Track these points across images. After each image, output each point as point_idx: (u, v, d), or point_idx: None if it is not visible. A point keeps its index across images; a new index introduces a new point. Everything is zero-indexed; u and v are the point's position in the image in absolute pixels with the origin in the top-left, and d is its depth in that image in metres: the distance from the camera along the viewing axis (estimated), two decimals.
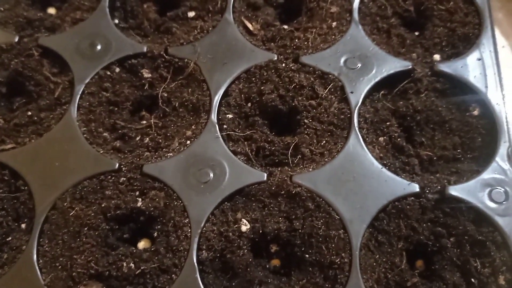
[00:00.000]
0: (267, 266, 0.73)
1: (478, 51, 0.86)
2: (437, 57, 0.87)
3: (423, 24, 0.92)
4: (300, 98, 0.82)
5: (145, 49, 0.86)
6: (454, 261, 0.71)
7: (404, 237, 0.73)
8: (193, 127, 0.81)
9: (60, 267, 0.70)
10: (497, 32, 0.98)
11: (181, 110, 0.83)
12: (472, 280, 0.70)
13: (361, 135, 0.79)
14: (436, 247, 0.73)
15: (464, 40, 0.88)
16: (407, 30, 0.91)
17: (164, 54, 0.86)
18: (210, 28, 0.89)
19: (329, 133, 0.80)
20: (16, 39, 0.88)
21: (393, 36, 0.89)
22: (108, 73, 0.85)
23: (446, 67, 0.84)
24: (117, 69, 0.86)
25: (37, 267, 0.69)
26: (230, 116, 0.82)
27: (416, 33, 0.92)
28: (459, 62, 0.85)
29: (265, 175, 0.75)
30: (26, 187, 0.75)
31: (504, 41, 1.04)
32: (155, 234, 0.73)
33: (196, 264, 0.69)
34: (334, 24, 0.89)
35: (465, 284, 0.70)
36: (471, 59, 0.85)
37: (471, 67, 0.84)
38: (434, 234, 0.73)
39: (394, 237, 0.73)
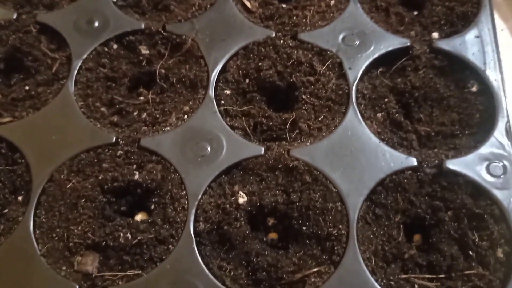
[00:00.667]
0: (265, 239, 0.73)
1: (476, 29, 0.86)
2: (435, 35, 0.87)
3: (422, 3, 0.92)
4: (298, 74, 0.82)
5: (143, 26, 0.87)
6: (451, 235, 0.71)
7: (401, 210, 0.73)
8: (190, 102, 0.81)
9: (56, 237, 0.70)
10: (496, 16, 0.99)
11: (178, 86, 0.83)
12: (470, 253, 0.70)
13: (359, 111, 0.79)
14: (433, 220, 0.72)
15: (463, 18, 0.89)
16: (405, 9, 0.91)
17: (162, 31, 0.86)
18: (208, 6, 0.90)
19: (327, 109, 0.80)
20: (15, 16, 0.88)
21: (391, 14, 0.90)
22: (106, 49, 0.86)
23: (444, 45, 0.85)
24: (115, 46, 0.86)
25: (33, 238, 0.69)
26: (227, 92, 0.82)
27: (415, 12, 0.92)
28: (458, 40, 0.85)
29: (263, 149, 0.75)
30: (23, 160, 0.75)
31: (503, 24, 1.04)
32: (152, 207, 0.73)
33: (193, 235, 0.69)
34: (332, 2, 0.90)
35: (462, 257, 0.70)
36: (470, 36, 0.85)
37: (470, 45, 0.84)
38: (432, 207, 0.73)
39: (391, 210, 0.73)
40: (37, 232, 0.70)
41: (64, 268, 0.68)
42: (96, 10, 0.88)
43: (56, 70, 0.83)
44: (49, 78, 0.83)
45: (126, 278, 0.68)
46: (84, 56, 0.84)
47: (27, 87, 0.82)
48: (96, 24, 0.86)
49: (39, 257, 0.68)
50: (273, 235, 0.74)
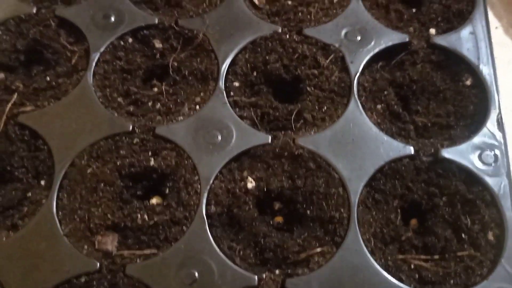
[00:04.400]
0: (271, 222, 0.77)
1: (471, 25, 0.91)
2: (433, 31, 0.92)
3: (420, 0, 0.96)
4: (303, 68, 0.87)
5: (156, 21, 0.91)
6: (446, 219, 0.76)
7: (399, 195, 0.78)
8: (201, 94, 0.85)
9: (78, 219, 0.75)
10: (491, 14, 1.03)
11: (190, 78, 0.87)
12: (463, 235, 0.75)
13: (360, 102, 0.83)
14: (429, 205, 0.77)
15: (458, 15, 0.93)
16: (404, 6, 0.96)
17: (175, 26, 0.91)
18: (218, 2, 0.94)
19: (330, 100, 0.84)
20: (34, 10, 0.92)
21: (391, 11, 0.94)
22: (122, 43, 0.90)
23: (441, 40, 0.89)
24: (130, 40, 0.90)
25: (56, 219, 0.74)
26: (236, 84, 0.86)
27: (414, 9, 0.96)
28: (453, 36, 0.90)
29: (270, 137, 0.80)
30: (45, 147, 0.80)
31: (497, 23, 1.09)
32: (167, 191, 0.78)
33: (205, 217, 0.74)
34: None
35: (456, 239, 0.75)
36: (465, 33, 0.90)
37: (465, 40, 0.89)
38: (428, 193, 0.78)
39: (390, 195, 0.78)
40: (60, 213, 0.75)
41: (85, 247, 0.73)
42: (112, 5, 0.92)
43: (75, 62, 0.87)
44: (68, 70, 0.87)
45: (143, 257, 0.73)
46: (102, 49, 0.88)
47: (48, 78, 0.86)
48: (112, 19, 0.91)
49: (62, 236, 0.73)
50: (279, 219, 0.79)
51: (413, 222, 0.79)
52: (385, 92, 0.86)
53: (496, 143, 0.80)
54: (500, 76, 0.89)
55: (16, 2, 0.93)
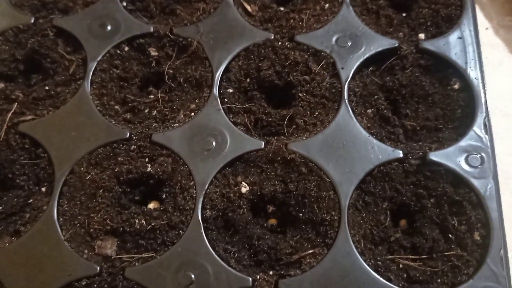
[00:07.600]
0: (265, 225, 0.80)
1: (459, 30, 0.93)
2: (422, 36, 0.94)
3: (410, 5, 0.99)
4: (295, 74, 0.89)
5: (151, 30, 0.93)
6: (433, 219, 0.79)
7: (388, 198, 0.80)
8: (196, 100, 0.88)
9: (78, 224, 0.77)
10: (481, 15, 1.06)
11: (185, 85, 0.90)
12: (450, 236, 0.77)
13: (351, 107, 0.86)
14: (417, 207, 0.80)
15: (447, 20, 0.95)
16: (394, 11, 0.98)
17: (170, 34, 0.93)
18: (212, 10, 0.96)
19: (321, 106, 0.87)
20: (32, 20, 0.94)
21: (381, 16, 0.96)
22: (118, 51, 0.92)
23: (429, 45, 0.91)
24: (126, 48, 0.93)
25: (57, 225, 0.77)
26: (230, 90, 0.89)
27: (403, 14, 0.98)
28: (442, 41, 0.92)
29: (263, 143, 0.83)
30: (45, 154, 0.82)
31: (488, 24, 1.11)
32: (164, 196, 0.80)
33: (201, 221, 0.77)
34: (326, 5, 0.96)
35: (443, 240, 0.77)
36: (453, 38, 0.92)
37: (453, 45, 0.91)
38: (416, 195, 0.80)
39: (379, 198, 0.80)
40: (61, 219, 0.78)
41: (86, 251, 0.76)
42: (108, 15, 0.95)
43: (73, 71, 0.89)
44: (66, 79, 0.89)
45: (141, 260, 0.75)
46: (99, 58, 0.90)
47: (46, 87, 0.88)
48: (109, 28, 0.93)
49: (63, 241, 0.76)
50: (272, 221, 0.81)
51: (402, 222, 0.81)
52: (375, 97, 0.89)
53: (483, 146, 0.82)
54: (490, 77, 0.92)
55: (14, 13, 0.95)
